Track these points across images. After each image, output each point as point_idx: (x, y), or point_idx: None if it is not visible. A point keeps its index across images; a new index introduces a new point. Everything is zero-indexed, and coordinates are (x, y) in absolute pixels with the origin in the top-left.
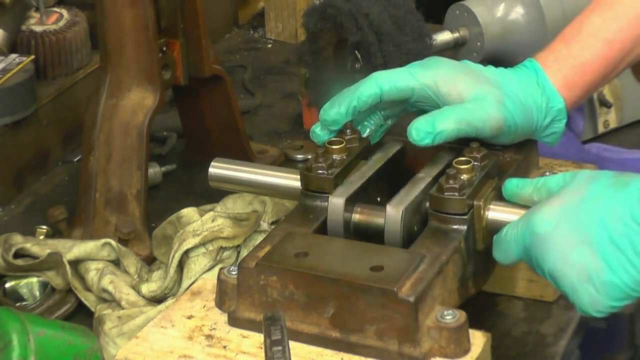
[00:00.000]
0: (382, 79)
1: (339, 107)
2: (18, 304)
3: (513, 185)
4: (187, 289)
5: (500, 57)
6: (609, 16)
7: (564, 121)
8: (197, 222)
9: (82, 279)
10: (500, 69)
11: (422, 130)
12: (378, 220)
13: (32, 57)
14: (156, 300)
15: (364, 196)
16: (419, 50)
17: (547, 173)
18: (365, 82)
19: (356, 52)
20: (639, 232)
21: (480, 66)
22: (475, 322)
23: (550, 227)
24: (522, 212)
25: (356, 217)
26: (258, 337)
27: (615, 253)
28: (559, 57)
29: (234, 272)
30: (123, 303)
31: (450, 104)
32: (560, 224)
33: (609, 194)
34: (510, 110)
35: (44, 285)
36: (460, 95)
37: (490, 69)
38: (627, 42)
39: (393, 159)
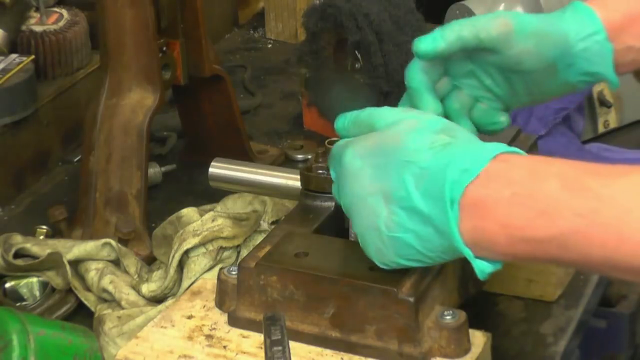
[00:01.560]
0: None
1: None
2: (18, 304)
3: (339, 124)
4: (187, 289)
5: None
6: None
7: (604, 40)
8: (197, 222)
9: (82, 279)
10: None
11: (424, 42)
12: None
13: (32, 57)
14: (156, 300)
15: None
16: None
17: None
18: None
19: (356, 52)
20: (437, 203)
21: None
22: (475, 322)
23: (357, 164)
24: None
25: None
26: (258, 337)
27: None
28: None
29: (234, 272)
30: (123, 303)
31: None
32: (366, 164)
33: (423, 156)
34: (526, 17)
35: (44, 285)
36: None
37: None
38: None
39: None
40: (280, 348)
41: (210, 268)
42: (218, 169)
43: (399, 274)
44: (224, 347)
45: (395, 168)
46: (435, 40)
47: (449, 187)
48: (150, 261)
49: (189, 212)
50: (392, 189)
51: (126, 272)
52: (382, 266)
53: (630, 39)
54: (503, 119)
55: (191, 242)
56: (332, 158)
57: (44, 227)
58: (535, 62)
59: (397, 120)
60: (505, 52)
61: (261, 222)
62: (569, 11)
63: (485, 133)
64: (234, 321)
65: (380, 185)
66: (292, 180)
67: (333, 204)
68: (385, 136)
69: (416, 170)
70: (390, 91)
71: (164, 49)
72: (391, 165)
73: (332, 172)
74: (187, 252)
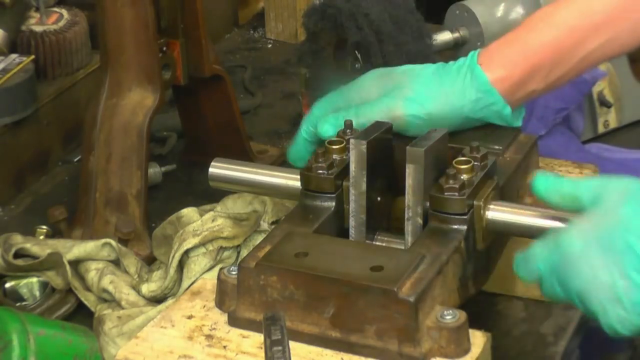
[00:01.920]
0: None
1: (295, 153)
2: (18, 304)
3: (541, 188)
4: (187, 289)
5: None
6: (562, 5)
7: (499, 104)
8: (197, 222)
9: (82, 279)
10: (429, 65)
11: (325, 130)
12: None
13: (32, 57)
14: (156, 300)
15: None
16: (419, 50)
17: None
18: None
19: (356, 52)
20: None
21: (406, 67)
22: (475, 322)
23: (581, 248)
24: (522, 212)
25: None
26: (258, 337)
27: None
28: (504, 41)
29: (234, 272)
30: (123, 303)
31: None
32: (591, 245)
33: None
34: (418, 100)
35: (44, 285)
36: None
37: (416, 67)
38: (576, 29)
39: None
40: (280, 348)
41: (210, 268)
42: (218, 169)
43: (399, 274)
44: (224, 347)
45: (620, 239)
46: (334, 128)
47: None
48: (150, 261)
49: (189, 212)
50: (623, 257)
51: (126, 272)
52: (626, 334)
53: (532, 85)
54: None
55: (191, 242)
56: (543, 251)
57: (44, 227)
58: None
59: (600, 194)
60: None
61: (261, 222)
62: (467, 81)
63: None
64: (234, 321)
65: (612, 257)
66: (292, 180)
67: (333, 204)
68: (601, 216)
69: None
70: None
71: (164, 49)
72: (616, 238)
73: (541, 266)
74: (187, 252)
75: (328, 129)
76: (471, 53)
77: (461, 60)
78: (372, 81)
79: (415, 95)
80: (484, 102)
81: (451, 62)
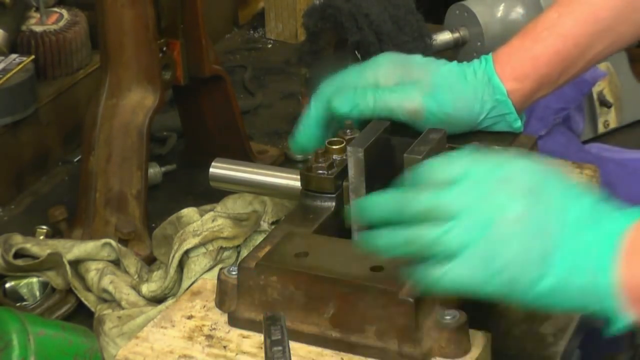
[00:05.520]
0: (343, 107)
1: (301, 137)
2: (18, 304)
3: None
4: (187, 289)
5: None
6: (565, 11)
7: (512, 115)
8: (197, 222)
9: (82, 279)
10: (444, 62)
11: (340, 109)
12: None
13: (32, 57)
14: (156, 300)
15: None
16: (419, 50)
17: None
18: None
19: (356, 52)
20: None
21: (424, 60)
22: (475, 322)
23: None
24: None
25: None
26: (258, 337)
27: None
28: (512, 51)
29: (234, 272)
30: (123, 303)
31: None
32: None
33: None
34: (438, 99)
35: (44, 285)
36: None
37: (434, 62)
38: (582, 37)
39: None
40: (280, 348)
41: (210, 268)
42: (218, 169)
43: (399, 274)
44: (224, 347)
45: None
46: (354, 105)
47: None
48: (150, 261)
49: (189, 212)
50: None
51: (126, 272)
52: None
53: (540, 94)
54: None
55: (191, 242)
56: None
57: (44, 227)
58: (448, 129)
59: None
60: (407, 121)
61: (261, 222)
62: (486, 90)
63: None
64: (234, 321)
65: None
66: (292, 180)
67: (333, 204)
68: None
69: None
70: None
71: (164, 49)
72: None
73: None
74: (187, 252)
75: (343, 103)
76: (484, 58)
77: (476, 63)
78: (389, 66)
79: (435, 94)
80: (498, 111)
81: (466, 63)
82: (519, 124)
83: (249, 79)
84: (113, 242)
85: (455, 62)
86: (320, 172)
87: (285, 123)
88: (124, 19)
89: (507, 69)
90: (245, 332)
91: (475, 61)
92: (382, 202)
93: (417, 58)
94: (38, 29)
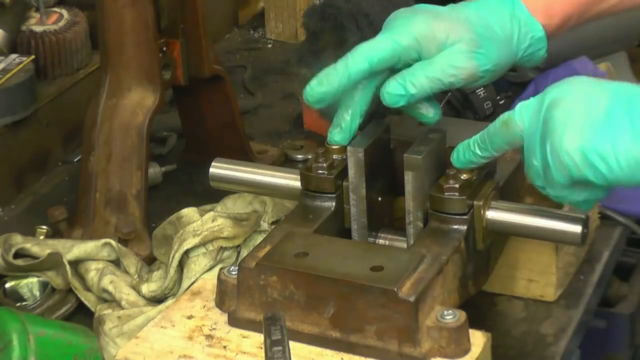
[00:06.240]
0: (369, 53)
1: (328, 86)
2: (18, 304)
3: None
4: (187, 289)
5: None
6: None
7: (545, 48)
8: (197, 222)
9: (82, 279)
10: (476, 3)
11: (394, 94)
12: None
13: (32, 57)
14: (156, 300)
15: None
16: None
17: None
18: (353, 57)
19: None
20: None
21: (455, 7)
22: (475, 322)
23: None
24: (522, 211)
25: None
26: (258, 337)
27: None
28: None
29: (234, 272)
30: (123, 303)
31: (430, 57)
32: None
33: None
34: (485, 53)
35: (44, 285)
36: (439, 48)
37: (466, 6)
38: None
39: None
40: (280, 348)
41: (210, 268)
42: (219, 169)
43: (399, 274)
44: (224, 347)
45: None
46: (404, 99)
47: None
48: (150, 261)
49: (189, 212)
50: None
51: (126, 272)
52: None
53: (562, 33)
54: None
55: (191, 242)
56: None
57: (44, 227)
58: (493, 78)
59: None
60: (464, 86)
61: (261, 222)
62: (522, 30)
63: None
64: (234, 321)
65: None
66: (292, 180)
67: (333, 204)
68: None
69: None
70: None
71: (164, 49)
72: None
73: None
74: (187, 252)
75: (396, 89)
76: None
77: (506, 3)
78: (422, 29)
79: (483, 50)
80: (533, 48)
81: (494, 6)
82: (544, 52)
83: (249, 79)
84: (113, 242)
85: (479, 4)
86: (321, 172)
87: (285, 123)
88: (124, 19)
89: (540, 5)
90: (245, 332)
91: (500, 2)
92: None
93: (442, 10)
94: (38, 29)
